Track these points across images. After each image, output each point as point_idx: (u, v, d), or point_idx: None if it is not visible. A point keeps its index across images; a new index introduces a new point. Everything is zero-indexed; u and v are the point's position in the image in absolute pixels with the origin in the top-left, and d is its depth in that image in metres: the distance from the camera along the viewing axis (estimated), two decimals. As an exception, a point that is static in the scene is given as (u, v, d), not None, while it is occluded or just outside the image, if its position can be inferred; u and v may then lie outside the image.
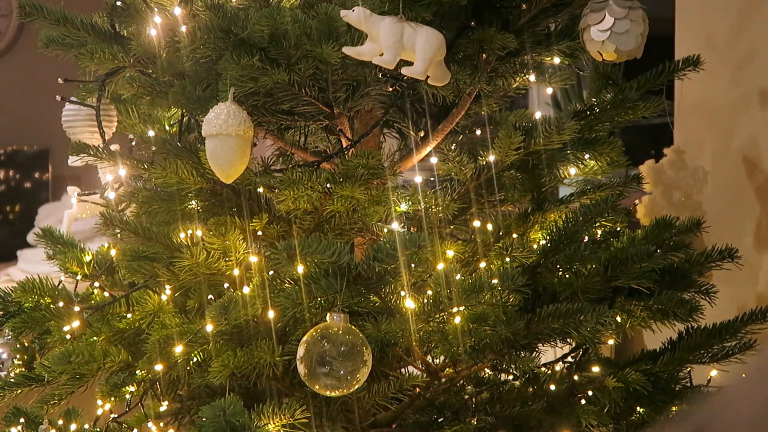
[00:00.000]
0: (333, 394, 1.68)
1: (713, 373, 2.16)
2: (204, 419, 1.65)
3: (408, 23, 1.65)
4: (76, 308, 1.98)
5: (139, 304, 1.98)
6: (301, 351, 1.67)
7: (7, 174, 5.18)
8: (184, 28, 1.78)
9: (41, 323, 2.04)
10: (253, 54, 1.69)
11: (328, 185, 1.80)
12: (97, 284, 2.09)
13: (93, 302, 2.07)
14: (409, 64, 1.67)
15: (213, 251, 1.81)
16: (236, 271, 1.83)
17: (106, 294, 2.08)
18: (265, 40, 1.70)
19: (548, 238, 2.01)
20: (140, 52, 1.88)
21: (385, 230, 1.95)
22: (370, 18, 1.64)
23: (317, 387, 1.67)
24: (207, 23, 1.72)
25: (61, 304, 2.03)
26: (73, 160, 2.21)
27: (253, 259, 1.84)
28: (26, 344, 2.14)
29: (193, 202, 1.92)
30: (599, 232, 2.11)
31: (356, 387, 1.67)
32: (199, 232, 1.87)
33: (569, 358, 2.13)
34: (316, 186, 1.80)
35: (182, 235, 1.87)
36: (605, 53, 1.76)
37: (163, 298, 1.88)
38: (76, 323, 1.98)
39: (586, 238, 2.04)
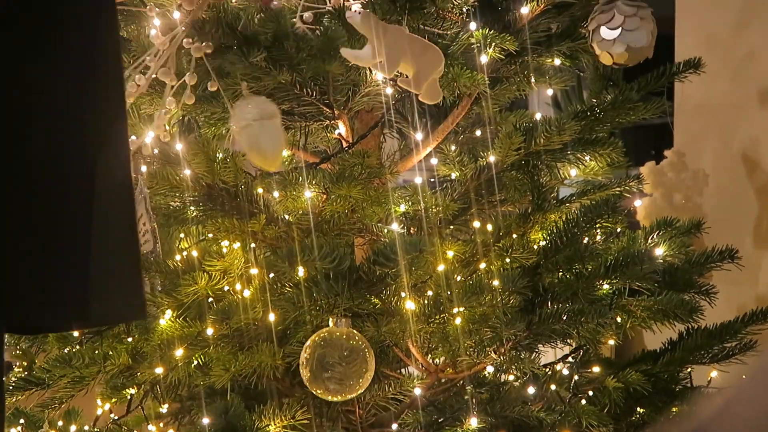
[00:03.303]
0: (335, 398, 1.68)
1: (713, 373, 2.16)
2: (205, 421, 1.65)
3: (411, 36, 1.64)
4: (75, 333, 1.97)
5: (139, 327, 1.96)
6: (304, 355, 1.66)
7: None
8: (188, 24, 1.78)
9: (39, 329, 2.03)
10: (260, 51, 1.68)
11: (325, 185, 1.80)
12: None
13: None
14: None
15: (214, 273, 1.82)
16: (238, 286, 1.83)
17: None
18: (269, 40, 1.69)
19: (548, 238, 2.01)
20: (140, 53, 1.87)
21: (385, 231, 1.95)
22: (375, 24, 1.63)
23: (320, 391, 1.66)
24: (214, 17, 1.71)
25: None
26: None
27: (254, 271, 1.84)
28: (24, 349, 2.14)
29: (191, 208, 1.92)
30: (599, 232, 2.11)
31: (359, 391, 1.67)
32: (195, 253, 1.88)
33: (570, 359, 2.13)
34: (313, 186, 1.80)
35: (178, 257, 1.88)
36: (616, 54, 1.74)
37: (162, 322, 1.87)
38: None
39: (586, 238, 2.04)
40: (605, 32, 1.74)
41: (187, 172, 1.88)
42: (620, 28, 1.73)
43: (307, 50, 1.68)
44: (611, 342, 2.09)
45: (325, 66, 1.68)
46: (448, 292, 1.75)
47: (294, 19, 1.70)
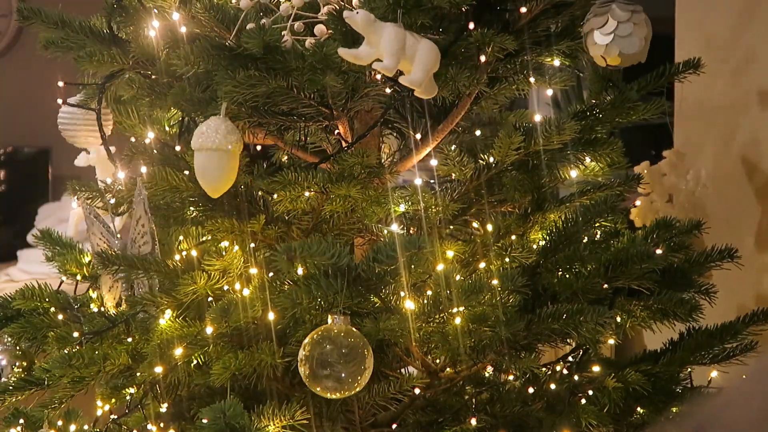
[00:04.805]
0: (334, 396, 1.68)
1: (714, 374, 2.16)
2: (204, 421, 1.65)
3: (409, 32, 1.64)
4: (75, 334, 1.98)
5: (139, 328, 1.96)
6: (302, 353, 1.67)
7: (7, 174, 5.17)
8: (180, 35, 1.78)
9: (40, 329, 2.03)
10: (249, 67, 1.68)
11: (325, 185, 1.80)
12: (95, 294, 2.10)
13: (91, 310, 2.07)
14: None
15: (213, 272, 1.82)
16: (237, 285, 1.84)
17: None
18: (260, 53, 1.69)
19: (548, 238, 2.01)
20: (139, 54, 1.88)
21: (385, 231, 1.95)
22: (374, 23, 1.63)
23: (318, 389, 1.67)
24: (200, 43, 1.71)
25: (60, 317, 2.03)
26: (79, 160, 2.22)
27: (253, 271, 1.84)
28: (24, 349, 2.14)
29: (191, 208, 1.92)
30: (599, 232, 2.11)
31: (358, 389, 1.67)
32: (194, 252, 1.88)
33: (569, 358, 2.13)
34: (312, 186, 1.80)
35: (177, 257, 1.88)
36: (609, 58, 1.74)
37: (162, 322, 1.87)
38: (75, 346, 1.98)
39: (586, 238, 2.04)
40: (598, 37, 1.74)
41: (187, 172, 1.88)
42: (613, 34, 1.72)
43: (301, 64, 1.68)
44: (611, 342, 2.09)
45: (321, 80, 1.68)
46: (448, 292, 1.75)
47: (284, 32, 1.70)
